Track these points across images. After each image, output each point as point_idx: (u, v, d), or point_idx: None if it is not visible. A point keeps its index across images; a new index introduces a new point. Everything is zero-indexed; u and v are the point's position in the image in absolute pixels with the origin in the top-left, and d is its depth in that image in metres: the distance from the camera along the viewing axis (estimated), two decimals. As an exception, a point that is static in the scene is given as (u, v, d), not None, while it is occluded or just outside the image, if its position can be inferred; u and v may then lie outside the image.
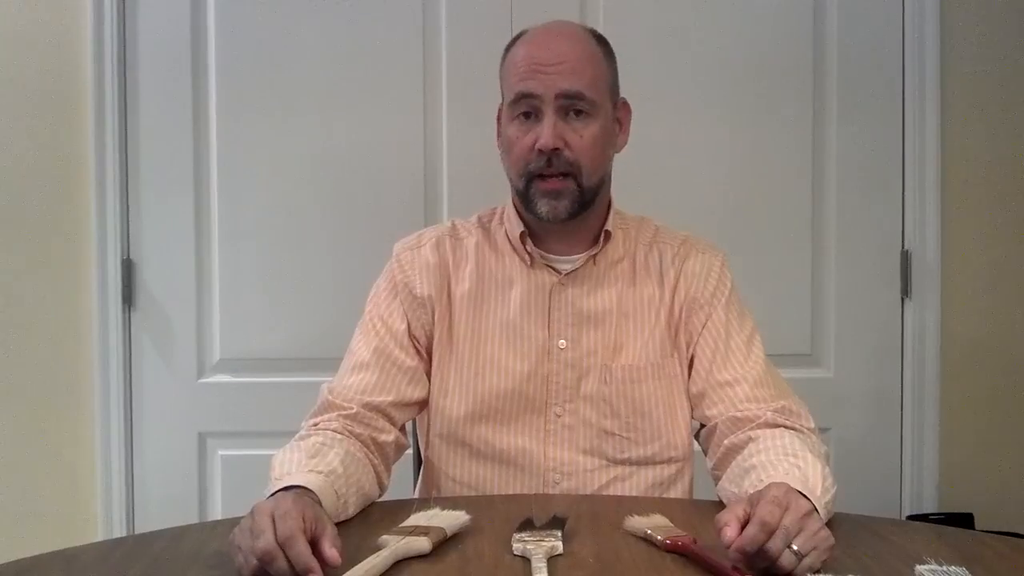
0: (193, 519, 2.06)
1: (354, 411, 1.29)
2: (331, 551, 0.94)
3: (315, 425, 1.30)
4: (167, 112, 2.07)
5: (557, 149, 1.28)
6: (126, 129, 2.07)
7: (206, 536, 1.10)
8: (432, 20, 2.09)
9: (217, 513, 2.10)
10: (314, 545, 0.94)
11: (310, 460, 1.16)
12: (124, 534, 2.04)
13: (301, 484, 1.08)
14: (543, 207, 1.30)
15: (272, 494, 1.07)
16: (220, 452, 2.11)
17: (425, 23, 2.09)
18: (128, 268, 2.08)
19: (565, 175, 1.29)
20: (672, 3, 2.09)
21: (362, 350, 1.35)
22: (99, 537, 2.02)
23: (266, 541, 0.92)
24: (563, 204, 1.30)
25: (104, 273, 2.06)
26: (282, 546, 0.92)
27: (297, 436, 1.29)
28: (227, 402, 2.10)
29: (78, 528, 2.06)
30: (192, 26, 2.07)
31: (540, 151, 1.28)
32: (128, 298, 2.08)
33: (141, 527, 2.07)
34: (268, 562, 0.91)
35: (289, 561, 0.91)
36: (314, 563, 0.91)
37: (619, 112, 1.38)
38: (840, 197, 2.12)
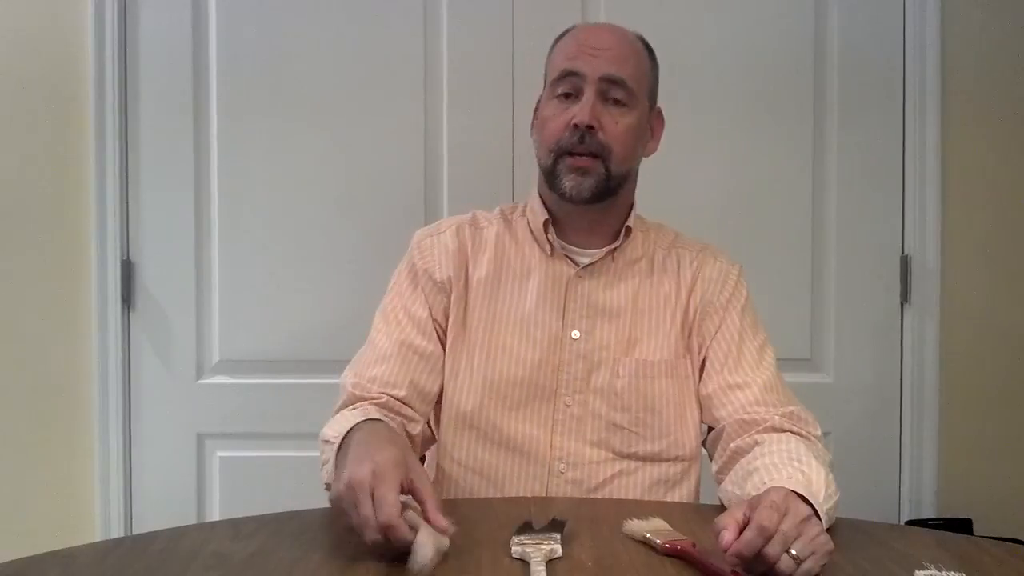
0: (191, 520, 2.06)
1: (384, 400, 1.30)
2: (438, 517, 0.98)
3: None
4: (167, 112, 2.07)
5: (591, 128, 1.30)
6: (126, 129, 2.07)
7: (204, 537, 1.10)
8: (433, 21, 2.09)
9: (215, 514, 2.09)
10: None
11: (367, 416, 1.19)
12: (122, 534, 2.04)
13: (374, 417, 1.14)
14: (568, 182, 1.32)
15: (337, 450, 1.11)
16: (218, 453, 2.10)
17: (426, 24, 2.09)
18: (127, 269, 2.07)
19: (595, 156, 1.31)
20: (673, 5, 2.09)
21: (384, 342, 1.36)
22: (97, 537, 2.02)
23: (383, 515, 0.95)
24: (588, 182, 1.31)
25: (103, 274, 2.05)
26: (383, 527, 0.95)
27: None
28: (226, 403, 2.10)
29: (76, 528, 2.06)
30: (193, 27, 2.07)
31: (575, 126, 1.30)
32: (127, 299, 2.08)
33: (139, 528, 2.07)
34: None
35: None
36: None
37: (653, 119, 1.41)
38: (840, 202, 2.12)
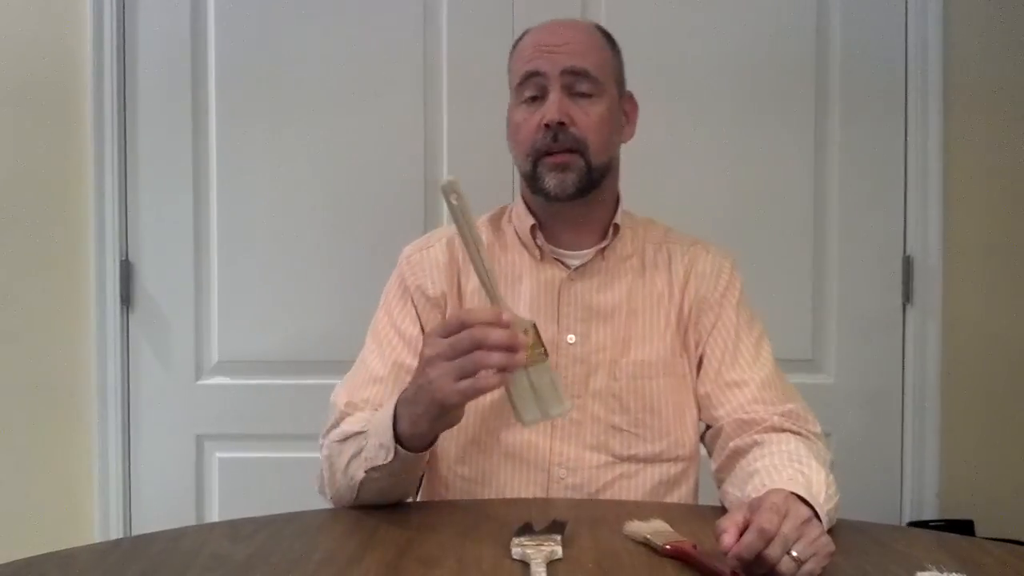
0: (190, 521, 2.05)
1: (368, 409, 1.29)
2: None
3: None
4: (166, 113, 2.07)
5: (563, 124, 1.29)
6: (125, 130, 2.07)
7: (203, 538, 1.10)
8: (433, 22, 2.09)
9: (214, 515, 2.09)
10: None
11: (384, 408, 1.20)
12: (121, 536, 2.04)
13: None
14: (550, 181, 1.30)
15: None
16: (217, 454, 2.10)
17: (426, 25, 2.09)
18: (126, 269, 2.07)
19: (572, 151, 1.30)
20: (675, 3, 2.09)
21: (376, 364, 1.34)
22: (96, 539, 2.02)
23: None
24: (571, 177, 1.30)
25: (102, 274, 2.05)
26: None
27: (325, 446, 1.27)
28: (225, 404, 2.09)
29: (75, 529, 2.06)
30: (192, 27, 2.07)
31: (547, 126, 1.29)
32: (126, 299, 2.08)
33: (138, 529, 2.07)
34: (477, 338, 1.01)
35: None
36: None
37: (625, 105, 1.40)
38: (842, 202, 2.11)
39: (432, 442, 1.16)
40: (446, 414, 1.09)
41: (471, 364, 1.01)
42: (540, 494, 1.32)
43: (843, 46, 2.11)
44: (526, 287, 1.36)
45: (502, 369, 1.01)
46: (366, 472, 1.17)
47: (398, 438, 1.13)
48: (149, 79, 2.07)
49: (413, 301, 1.37)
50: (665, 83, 2.06)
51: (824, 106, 2.11)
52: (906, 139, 2.10)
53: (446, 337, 1.03)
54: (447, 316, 1.05)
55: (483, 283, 1.08)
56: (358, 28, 2.08)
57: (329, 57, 2.08)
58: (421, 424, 1.11)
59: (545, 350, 1.07)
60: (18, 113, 2.06)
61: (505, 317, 1.02)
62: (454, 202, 1.04)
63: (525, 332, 1.04)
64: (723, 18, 2.09)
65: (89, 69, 2.04)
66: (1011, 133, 2.10)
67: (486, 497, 1.34)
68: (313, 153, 2.09)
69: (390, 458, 1.13)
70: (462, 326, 1.02)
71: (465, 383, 1.02)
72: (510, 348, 1.01)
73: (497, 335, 1.01)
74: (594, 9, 2.07)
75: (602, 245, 1.37)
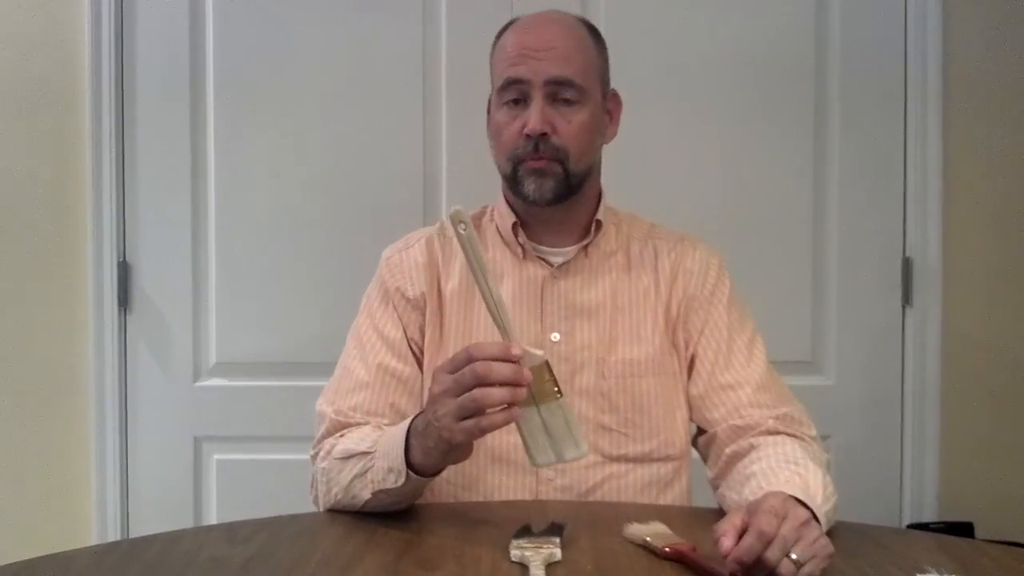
0: (188, 523, 2.05)
1: (368, 426, 1.28)
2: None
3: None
4: (164, 114, 2.07)
5: (545, 134, 1.28)
6: (123, 131, 2.06)
7: (201, 540, 1.10)
8: (432, 22, 2.09)
9: (212, 518, 2.09)
10: None
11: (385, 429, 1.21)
12: (119, 538, 2.03)
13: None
14: (530, 186, 1.29)
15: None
16: (215, 456, 2.10)
17: (425, 25, 2.08)
18: (124, 271, 2.07)
19: (552, 159, 1.29)
20: (674, 4, 2.08)
21: (360, 369, 1.33)
22: (94, 541, 2.01)
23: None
24: (549, 183, 1.29)
25: (100, 276, 2.05)
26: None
27: (320, 458, 1.27)
28: (223, 406, 2.09)
29: (73, 531, 2.05)
30: (190, 29, 2.07)
31: (528, 136, 1.28)
32: (124, 301, 2.07)
33: (136, 531, 2.06)
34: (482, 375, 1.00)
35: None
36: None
37: (609, 103, 1.38)
38: (841, 203, 2.11)
39: (443, 468, 1.16)
40: (455, 450, 1.09)
41: (472, 403, 1.01)
42: (529, 497, 1.31)
43: (842, 48, 2.10)
44: (508, 285, 1.35)
45: (508, 405, 1.00)
46: (373, 494, 1.17)
47: (410, 464, 1.12)
48: (147, 79, 2.07)
49: (393, 304, 1.36)
50: (664, 84, 2.06)
51: (823, 107, 2.11)
52: (905, 140, 2.10)
53: (453, 372, 1.03)
54: (455, 351, 1.04)
55: (492, 315, 1.05)
56: (357, 29, 2.08)
57: (328, 58, 2.08)
58: (432, 456, 1.10)
59: (559, 389, 1.05)
60: (15, 114, 2.05)
61: (515, 351, 1.01)
62: (462, 231, 1.03)
63: (538, 369, 1.02)
64: (722, 19, 2.09)
65: (87, 69, 2.04)
66: (1011, 134, 2.10)
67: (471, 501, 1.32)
68: (312, 154, 2.08)
69: (400, 482, 1.13)
70: (469, 360, 1.01)
71: (469, 423, 1.02)
72: (514, 384, 1.00)
73: (500, 370, 1.00)
74: (594, 9, 2.06)
75: (585, 242, 1.36)
